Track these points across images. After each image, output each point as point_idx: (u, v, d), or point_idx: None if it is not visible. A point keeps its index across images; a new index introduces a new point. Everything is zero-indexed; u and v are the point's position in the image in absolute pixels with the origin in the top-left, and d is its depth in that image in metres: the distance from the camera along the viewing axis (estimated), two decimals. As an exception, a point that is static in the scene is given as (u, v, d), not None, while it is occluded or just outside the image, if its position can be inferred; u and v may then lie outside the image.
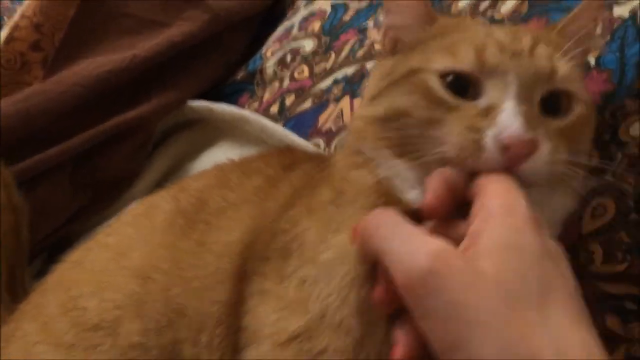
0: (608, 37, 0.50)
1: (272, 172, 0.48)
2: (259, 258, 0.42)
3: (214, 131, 0.77)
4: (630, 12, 0.50)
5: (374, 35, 0.71)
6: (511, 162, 0.35)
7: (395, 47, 0.43)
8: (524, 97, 0.37)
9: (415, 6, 0.42)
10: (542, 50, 0.38)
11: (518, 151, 0.35)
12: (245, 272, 0.42)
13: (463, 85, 0.38)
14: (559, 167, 0.37)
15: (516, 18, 0.57)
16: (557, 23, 0.43)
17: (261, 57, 0.83)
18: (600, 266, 0.45)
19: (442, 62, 0.38)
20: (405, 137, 0.38)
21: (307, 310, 0.37)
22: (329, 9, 0.80)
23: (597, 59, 0.49)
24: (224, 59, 0.86)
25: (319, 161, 0.47)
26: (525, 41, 0.39)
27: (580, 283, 0.33)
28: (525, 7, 0.57)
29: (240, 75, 0.84)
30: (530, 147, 0.35)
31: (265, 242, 0.42)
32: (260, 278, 0.41)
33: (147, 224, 0.50)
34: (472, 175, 0.36)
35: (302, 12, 0.85)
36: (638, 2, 0.50)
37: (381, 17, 0.72)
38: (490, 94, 0.37)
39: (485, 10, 0.60)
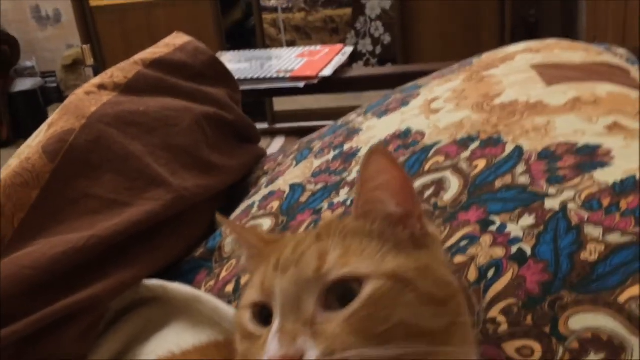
0: (542, 228, 0.52)
1: None
2: None
3: (168, 311, 0.75)
4: (560, 204, 0.53)
5: (329, 216, 0.74)
6: None
7: None
8: (290, 309, 0.38)
9: (251, 237, 0.46)
10: (311, 253, 0.40)
11: None
12: None
13: (269, 314, 0.40)
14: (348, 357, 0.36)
15: (457, 207, 0.59)
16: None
17: (221, 234, 0.85)
18: None
19: (249, 295, 0.41)
20: None
21: None
22: (287, 189, 0.84)
23: (533, 249, 0.51)
24: (186, 237, 0.87)
25: None
26: (300, 249, 0.41)
27: None
28: (465, 197, 0.60)
29: (199, 251, 0.85)
30: None
31: None
32: None
33: None
34: None
35: (263, 191, 0.88)
36: (569, 195, 0.53)
37: (335, 200, 0.75)
38: (275, 317, 0.39)
39: (429, 197, 0.63)
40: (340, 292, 0.38)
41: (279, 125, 3.08)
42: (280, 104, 3.08)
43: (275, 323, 0.38)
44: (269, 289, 0.39)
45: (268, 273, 0.40)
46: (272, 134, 3.04)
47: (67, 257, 0.71)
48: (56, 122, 0.79)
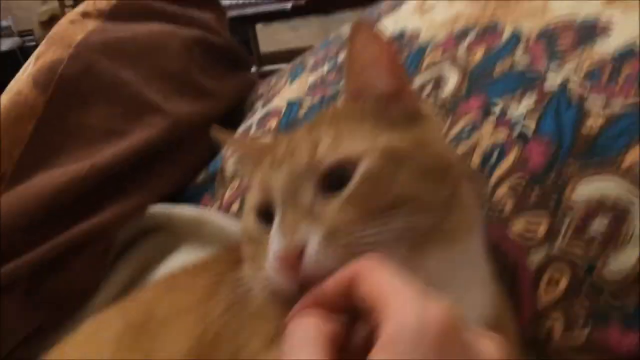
0: (544, 105, 0.52)
1: (221, 269, 0.47)
2: None
3: (176, 236, 0.76)
4: (561, 80, 0.52)
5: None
6: (292, 274, 0.34)
7: None
8: (289, 202, 0.37)
9: (251, 146, 0.46)
10: (303, 144, 0.39)
11: (289, 264, 0.34)
12: None
13: (272, 213, 0.38)
14: (350, 240, 0.35)
15: (457, 97, 0.59)
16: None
17: (221, 157, 0.84)
18: (560, 339, 0.43)
19: (250, 199, 0.41)
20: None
21: None
22: (284, 107, 0.83)
23: (536, 126, 0.51)
24: (185, 164, 0.87)
25: None
26: (294, 142, 0.40)
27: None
28: (465, 87, 0.59)
29: (201, 177, 0.85)
30: (295, 253, 0.34)
31: (211, 350, 0.41)
32: None
33: (97, 342, 0.48)
34: None
35: (260, 112, 0.87)
36: (570, 70, 0.53)
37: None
38: (276, 213, 0.38)
39: (429, 94, 0.62)
40: (338, 177, 0.37)
41: (266, 68, 3.03)
42: (266, 45, 3.03)
43: (277, 218, 0.37)
44: (267, 187, 0.39)
45: (265, 172, 0.40)
46: (260, 76, 2.99)
47: (70, 187, 0.71)
48: (44, 54, 0.77)
